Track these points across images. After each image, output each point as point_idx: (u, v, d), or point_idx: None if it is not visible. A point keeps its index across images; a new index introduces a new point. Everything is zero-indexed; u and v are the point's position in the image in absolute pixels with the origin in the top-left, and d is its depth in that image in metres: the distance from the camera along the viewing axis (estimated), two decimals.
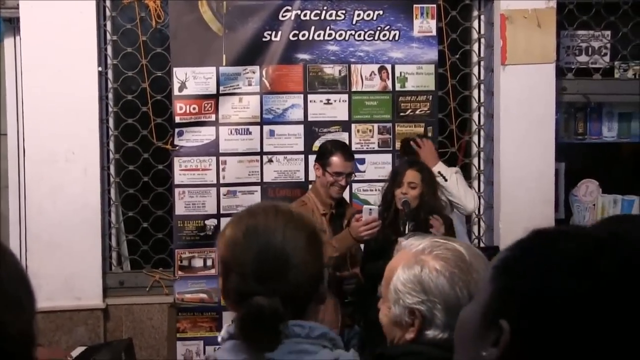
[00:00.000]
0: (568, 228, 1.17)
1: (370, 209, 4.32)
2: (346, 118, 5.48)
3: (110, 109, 5.40)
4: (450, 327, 1.82)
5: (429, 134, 5.41)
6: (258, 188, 5.39)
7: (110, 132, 5.41)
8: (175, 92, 5.27)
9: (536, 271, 1.11)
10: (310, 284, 1.70)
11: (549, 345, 1.07)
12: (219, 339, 1.69)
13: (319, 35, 5.40)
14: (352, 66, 5.45)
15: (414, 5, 5.47)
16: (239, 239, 1.68)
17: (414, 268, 1.92)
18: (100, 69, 5.28)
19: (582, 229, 1.17)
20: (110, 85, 5.39)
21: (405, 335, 1.93)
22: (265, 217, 1.72)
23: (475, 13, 5.71)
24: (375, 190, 5.28)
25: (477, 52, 5.73)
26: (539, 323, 1.08)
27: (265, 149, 5.39)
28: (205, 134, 5.32)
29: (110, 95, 5.41)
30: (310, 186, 4.94)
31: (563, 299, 1.06)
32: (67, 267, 5.12)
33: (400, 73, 5.49)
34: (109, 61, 5.39)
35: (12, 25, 5.26)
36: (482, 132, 5.73)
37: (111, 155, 5.42)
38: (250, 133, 5.36)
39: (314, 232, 1.77)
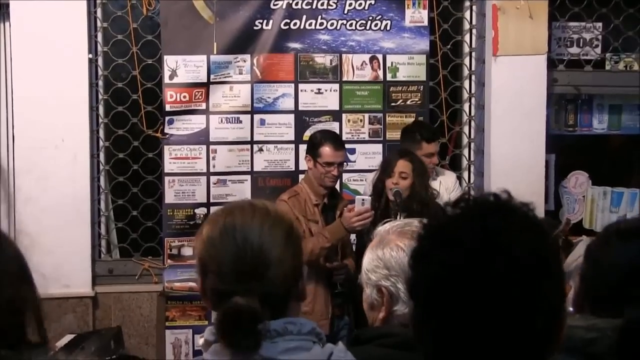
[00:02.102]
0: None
1: (363, 200, 4.32)
2: (337, 108, 5.48)
3: (100, 97, 5.38)
4: None
5: None
6: (248, 177, 5.38)
7: (100, 120, 5.39)
8: (166, 80, 5.26)
9: None
10: (290, 282, 1.67)
11: None
12: (202, 341, 1.65)
13: (310, 25, 5.38)
14: (344, 56, 5.45)
15: None
16: (215, 237, 1.66)
17: (378, 247, 2.00)
18: (90, 56, 5.26)
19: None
20: (100, 72, 5.37)
21: (379, 315, 1.99)
22: (242, 214, 1.69)
23: (467, 4, 5.70)
24: (365, 180, 5.27)
25: (468, 42, 5.72)
26: None
27: (256, 138, 5.38)
28: (195, 123, 5.30)
29: (101, 83, 5.38)
30: (302, 176, 4.93)
31: None
32: (56, 254, 5.10)
33: (392, 63, 5.49)
34: (99, 48, 5.36)
35: (1, 11, 5.22)
36: (472, 123, 5.74)
37: (101, 143, 5.39)
38: (240, 122, 5.35)
39: (292, 229, 1.75)
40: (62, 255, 5.13)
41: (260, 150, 5.39)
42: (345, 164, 4.71)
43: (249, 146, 5.38)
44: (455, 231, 1.20)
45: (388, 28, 5.45)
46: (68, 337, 4.80)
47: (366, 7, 5.42)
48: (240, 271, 1.61)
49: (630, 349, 1.54)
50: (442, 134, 5.62)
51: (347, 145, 4.91)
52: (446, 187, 4.84)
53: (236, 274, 1.61)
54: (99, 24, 5.35)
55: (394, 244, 1.97)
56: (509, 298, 1.13)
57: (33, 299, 1.46)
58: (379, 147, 5.45)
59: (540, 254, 1.17)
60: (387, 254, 1.96)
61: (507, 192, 1.23)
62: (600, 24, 5.86)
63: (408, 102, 5.51)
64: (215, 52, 5.28)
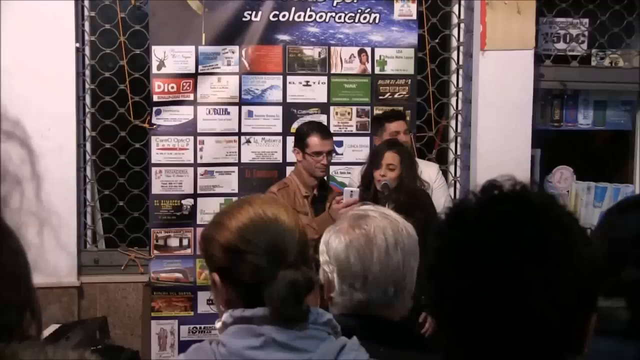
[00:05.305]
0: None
1: (352, 191, 4.33)
2: (325, 100, 5.48)
3: (87, 86, 5.36)
4: (345, 293, 1.94)
5: (407, 118, 5.41)
6: (235, 168, 5.38)
7: (87, 110, 5.37)
8: (154, 70, 5.24)
9: None
10: (310, 266, 1.71)
11: None
12: (219, 325, 1.66)
13: (299, 17, 5.38)
14: (332, 48, 5.45)
15: None
16: (249, 224, 1.68)
17: (330, 230, 2.02)
18: (77, 45, 5.23)
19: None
20: (87, 62, 5.34)
21: (327, 295, 2.01)
22: (263, 202, 1.74)
23: None
24: (351, 173, 5.28)
25: (456, 37, 5.74)
26: None
27: (244, 130, 5.38)
28: (183, 113, 5.29)
29: (87, 72, 5.36)
30: (290, 168, 4.94)
31: None
32: (42, 244, 5.08)
33: (380, 56, 5.50)
34: (86, 37, 5.34)
35: None
36: (459, 117, 5.75)
37: (87, 133, 5.37)
38: (228, 113, 5.34)
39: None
40: (47, 245, 5.11)
41: (248, 141, 5.39)
42: (334, 153, 4.73)
43: (236, 138, 5.37)
44: (462, 213, 1.21)
45: (377, 21, 5.46)
46: (53, 327, 4.79)
47: (355, 0, 5.42)
48: (282, 247, 1.64)
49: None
50: (429, 127, 5.66)
51: (334, 138, 4.94)
52: (429, 177, 4.84)
53: (280, 250, 1.63)
54: (86, 13, 5.33)
55: (339, 233, 1.97)
56: (500, 283, 1.12)
57: (33, 293, 1.46)
58: (366, 140, 5.45)
59: (542, 245, 1.13)
60: (331, 242, 1.97)
61: (523, 184, 1.21)
62: (586, 20, 5.90)
63: (396, 96, 5.52)
64: (203, 43, 5.26)
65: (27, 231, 5.02)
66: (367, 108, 5.51)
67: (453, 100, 5.77)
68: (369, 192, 4.43)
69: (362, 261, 1.91)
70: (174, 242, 5.33)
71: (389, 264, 1.91)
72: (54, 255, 5.15)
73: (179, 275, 5.33)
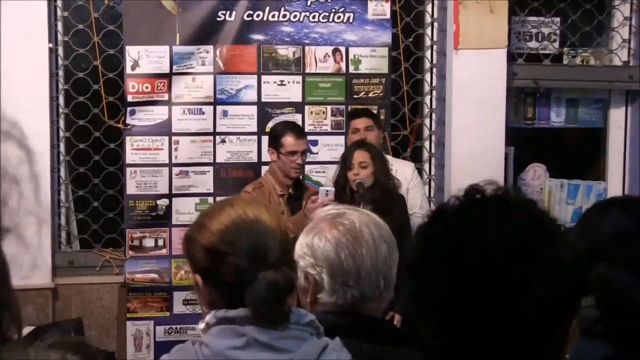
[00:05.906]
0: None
1: (327, 191, 4.34)
2: (300, 99, 5.49)
3: (60, 87, 5.33)
4: (337, 292, 1.91)
5: (382, 117, 5.44)
6: (210, 168, 5.37)
7: (61, 110, 5.34)
8: (128, 70, 5.22)
9: None
10: (292, 269, 1.72)
11: None
12: (202, 326, 1.67)
13: (273, 16, 5.39)
14: (306, 48, 5.46)
15: None
16: (230, 225, 1.69)
17: (309, 234, 1.99)
18: (50, 45, 5.20)
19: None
20: (60, 62, 5.32)
21: (307, 299, 1.99)
22: (245, 204, 1.76)
23: None
24: (326, 172, 5.29)
25: (430, 36, 5.77)
26: None
27: (218, 130, 5.37)
28: (157, 113, 5.28)
29: (61, 73, 5.34)
30: (265, 168, 4.95)
31: None
32: (16, 245, 5.05)
33: (354, 55, 5.52)
34: (59, 38, 5.32)
35: None
36: (433, 116, 5.79)
37: (61, 134, 5.35)
38: (203, 113, 5.34)
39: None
40: (21, 246, 5.08)
41: (223, 141, 5.38)
42: (308, 152, 4.74)
43: (211, 137, 5.36)
44: (445, 213, 1.21)
45: (351, 20, 5.47)
46: (27, 329, 4.75)
47: (329, 0, 5.44)
48: (263, 248, 1.66)
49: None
50: (403, 126, 5.69)
51: (309, 137, 4.99)
52: (404, 176, 4.87)
53: (260, 251, 1.65)
54: (59, 13, 5.30)
55: (322, 234, 1.95)
56: (481, 281, 1.12)
57: (12, 294, 1.46)
58: (341, 139, 5.46)
59: (525, 244, 1.14)
60: (315, 243, 1.95)
61: (505, 189, 1.21)
62: (558, 19, 5.96)
63: (370, 95, 5.54)
64: (177, 43, 5.26)
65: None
66: (342, 107, 5.53)
67: (427, 99, 5.81)
68: (345, 195, 4.44)
69: (354, 257, 1.91)
70: (149, 242, 5.32)
71: (378, 258, 1.92)
72: (28, 256, 5.12)
73: (155, 275, 5.31)
